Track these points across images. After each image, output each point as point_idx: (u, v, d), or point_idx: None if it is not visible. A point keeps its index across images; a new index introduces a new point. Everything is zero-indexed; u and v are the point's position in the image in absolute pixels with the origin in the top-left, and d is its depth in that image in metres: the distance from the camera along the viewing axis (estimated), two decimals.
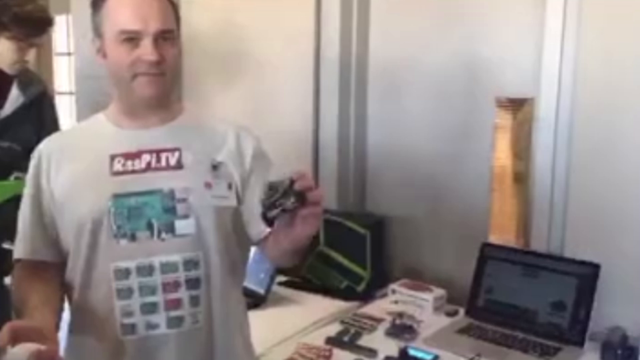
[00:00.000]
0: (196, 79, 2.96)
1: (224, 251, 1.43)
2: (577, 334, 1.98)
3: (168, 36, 1.37)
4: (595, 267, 2.00)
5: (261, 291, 2.31)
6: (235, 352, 1.50)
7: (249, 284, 2.36)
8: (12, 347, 1.09)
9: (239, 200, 1.45)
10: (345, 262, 2.45)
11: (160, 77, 1.37)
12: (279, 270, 2.35)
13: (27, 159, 1.49)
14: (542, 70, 2.12)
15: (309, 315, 2.20)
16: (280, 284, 2.45)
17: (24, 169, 1.49)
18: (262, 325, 2.04)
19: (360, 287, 2.41)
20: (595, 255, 2.01)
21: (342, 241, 2.45)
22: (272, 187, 1.18)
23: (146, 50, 1.34)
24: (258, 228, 1.40)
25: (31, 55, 2.23)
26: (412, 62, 2.43)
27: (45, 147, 1.46)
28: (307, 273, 2.51)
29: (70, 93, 4.20)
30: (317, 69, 2.59)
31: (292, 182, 1.18)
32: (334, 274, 2.46)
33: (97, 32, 1.40)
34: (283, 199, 1.17)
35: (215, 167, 1.43)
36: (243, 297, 1.56)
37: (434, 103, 2.41)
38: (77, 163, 1.42)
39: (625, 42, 1.98)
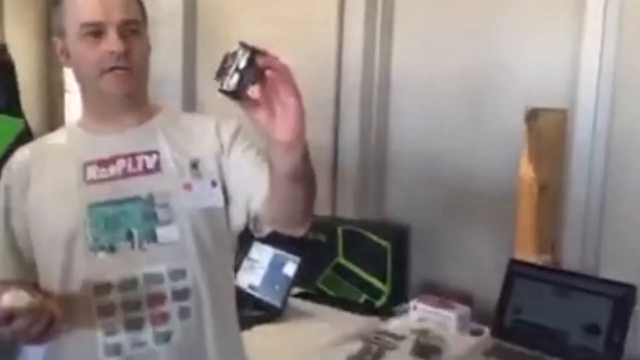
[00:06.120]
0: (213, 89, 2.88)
1: (212, 256, 1.33)
2: (611, 359, 1.88)
3: (133, 28, 1.30)
4: (631, 289, 1.90)
5: (277, 304, 2.22)
6: None
7: (264, 296, 2.27)
8: None
9: (226, 198, 1.33)
10: (364, 275, 2.34)
11: (128, 72, 1.29)
12: (294, 282, 2.25)
13: None
14: (580, 80, 2.03)
15: (328, 330, 2.10)
16: (295, 296, 2.35)
17: None
18: (280, 340, 2.00)
19: (380, 302, 2.31)
20: (633, 275, 1.91)
21: (361, 253, 2.35)
22: (227, 57, 0.96)
23: (111, 42, 1.26)
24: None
25: None
26: (439, 70, 2.34)
27: (17, 159, 1.38)
28: (323, 285, 2.41)
29: None
30: (338, 74, 2.51)
31: (253, 52, 0.95)
32: (352, 287, 2.36)
33: (59, 31, 1.32)
34: (243, 69, 0.95)
35: (194, 165, 1.33)
36: (235, 307, 1.43)
37: (459, 112, 2.33)
38: (49, 174, 1.33)
39: None
